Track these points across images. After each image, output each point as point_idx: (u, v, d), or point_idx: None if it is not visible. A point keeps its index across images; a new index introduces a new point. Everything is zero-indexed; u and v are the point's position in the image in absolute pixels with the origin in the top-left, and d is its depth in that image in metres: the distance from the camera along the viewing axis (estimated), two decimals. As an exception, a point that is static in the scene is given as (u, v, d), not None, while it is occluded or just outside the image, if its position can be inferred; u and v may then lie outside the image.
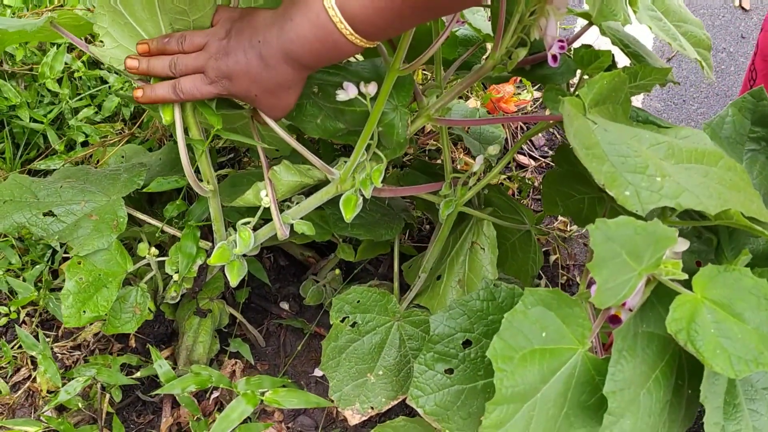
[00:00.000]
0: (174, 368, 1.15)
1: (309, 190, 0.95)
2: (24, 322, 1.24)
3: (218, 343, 1.22)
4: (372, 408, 0.98)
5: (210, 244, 1.04)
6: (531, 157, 1.61)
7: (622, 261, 0.64)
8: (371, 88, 0.81)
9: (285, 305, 1.34)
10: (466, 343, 0.82)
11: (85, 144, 1.43)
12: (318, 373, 1.26)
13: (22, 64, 1.46)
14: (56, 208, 0.90)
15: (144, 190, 0.92)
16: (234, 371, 1.23)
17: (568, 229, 1.47)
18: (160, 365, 1.06)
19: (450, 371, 0.81)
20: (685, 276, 0.65)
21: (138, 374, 1.15)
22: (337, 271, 1.21)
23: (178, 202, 0.99)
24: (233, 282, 0.94)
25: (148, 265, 1.04)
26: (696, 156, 0.75)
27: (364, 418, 0.99)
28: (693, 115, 2.05)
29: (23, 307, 1.23)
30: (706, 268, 0.66)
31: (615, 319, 0.77)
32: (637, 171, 0.68)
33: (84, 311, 0.88)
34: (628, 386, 0.67)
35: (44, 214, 0.89)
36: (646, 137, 0.75)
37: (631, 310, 0.72)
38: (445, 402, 0.80)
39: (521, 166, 1.59)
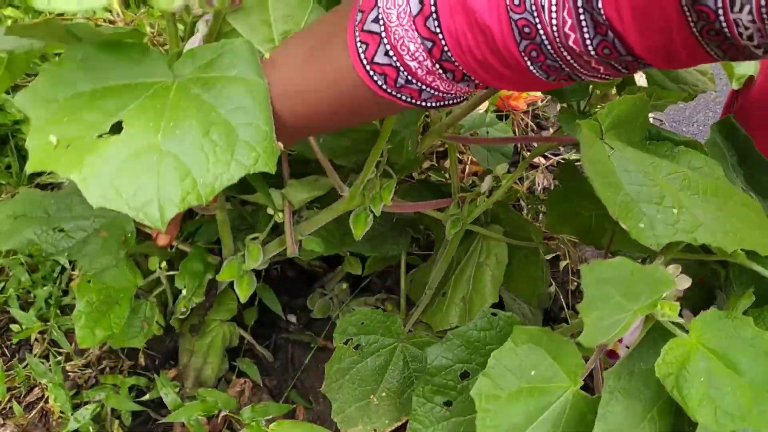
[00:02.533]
0: (181, 389, 1.16)
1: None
2: (36, 339, 1.25)
3: (227, 362, 1.22)
4: (375, 430, 0.97)
5: (219, 258, 1.03)
6: (542, 156, 1.58)
7: (616, 302, 0.61)
8: None
9: (293, 318, 1.33)
10: (464, 375, 0.80)
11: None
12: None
13: (26, 75, 1.45)
14: (66, 224, 0.90)
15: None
16: (243, 390, 1.23)
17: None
18: (166, 393, 1.07)
19: (449, 403, 0.80)
20: (681, 320, 0.63)
21: (146, 397, 1.15)
22: (344, 285, 1.20)
23: (194, 219, 0.98)
24: (243, 297, 0.92)
25: (158, 279, 1.04)
26: (711, 189, 0.71)
27: (368, 440, 0.98)
28: (711, 104, 1.98)
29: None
30: (705, 313, 0.64)
31: (613, 354, 0.75)
32: (653, 201, 0.66)
33: (96, 331, 0.88)
34: (619, 428, 0.65)
35: (53, 230, 0.89)
36: (663, 165, 0.72)
37: (627, 347, 0.70)
38: (445, 435, 0.78)
39: (533, 166, 1.56)
